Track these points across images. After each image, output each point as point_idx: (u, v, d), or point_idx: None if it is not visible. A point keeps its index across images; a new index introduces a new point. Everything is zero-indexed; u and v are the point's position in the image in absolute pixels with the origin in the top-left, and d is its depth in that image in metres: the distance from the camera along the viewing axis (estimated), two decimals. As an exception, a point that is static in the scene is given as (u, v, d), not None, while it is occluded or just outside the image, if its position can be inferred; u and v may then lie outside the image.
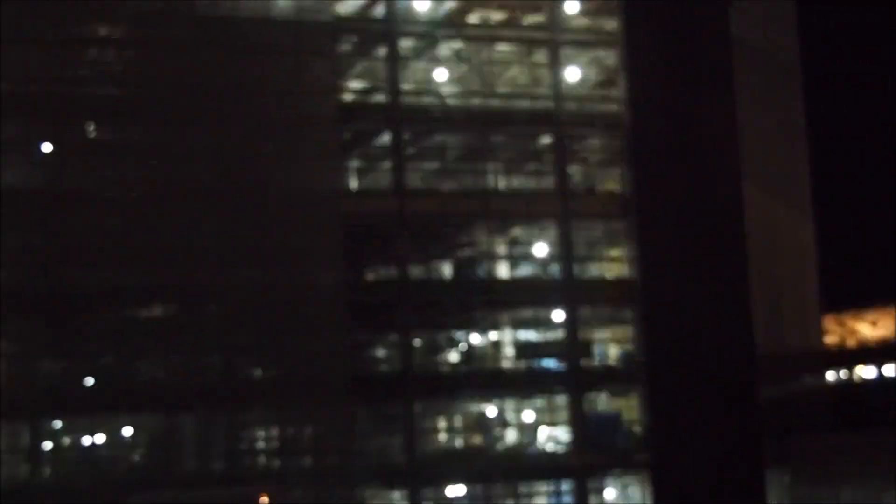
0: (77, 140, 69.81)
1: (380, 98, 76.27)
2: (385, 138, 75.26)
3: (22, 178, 67.18)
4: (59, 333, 65.91)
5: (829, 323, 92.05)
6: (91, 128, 71.28)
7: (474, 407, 78.12)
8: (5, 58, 64.47)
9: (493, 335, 78.18)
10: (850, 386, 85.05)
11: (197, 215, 66.65)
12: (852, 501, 65.58)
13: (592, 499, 74.53)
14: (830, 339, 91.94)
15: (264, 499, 58.55)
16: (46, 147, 68.30)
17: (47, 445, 69.89)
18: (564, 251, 76.38)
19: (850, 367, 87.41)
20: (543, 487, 75.80)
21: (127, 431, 73.02)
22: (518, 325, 78.93)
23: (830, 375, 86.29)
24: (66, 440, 72.27)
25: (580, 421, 74.85)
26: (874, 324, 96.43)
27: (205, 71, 67.85)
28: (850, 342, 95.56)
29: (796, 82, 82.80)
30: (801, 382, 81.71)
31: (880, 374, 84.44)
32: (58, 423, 70.34)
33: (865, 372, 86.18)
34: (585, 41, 79.65)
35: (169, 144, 68.58)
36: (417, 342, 74.93)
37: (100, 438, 71.53)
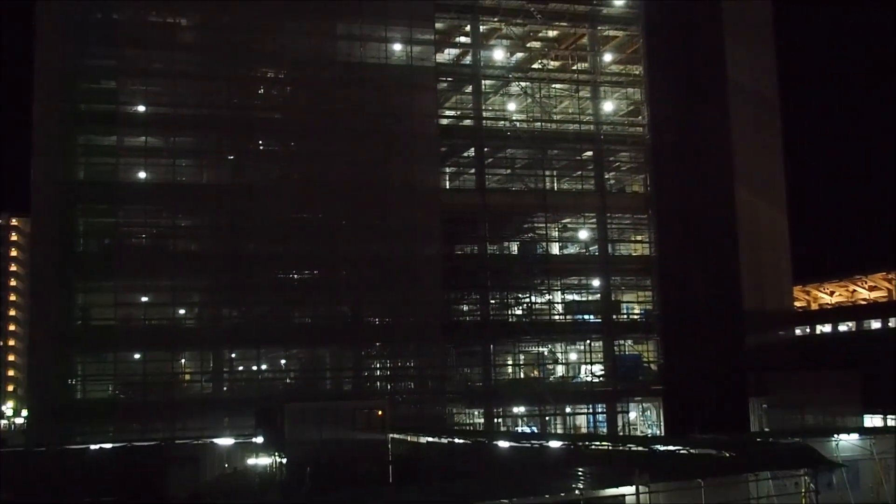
0: (251, 149, 73.08)
1: (467, 122, 78.40)
2: (471, 151, 77.53)
3: (214, 176, 71.03)
4: (237, 288, 68.98)
5: (798, 292, 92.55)
6: (260, 141, 73.92)
7: (533, 348, 79.70)
8: (205, 91, 69.50)
9: (547, 296, 78.21)
10: (812, 338, 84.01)
11: (336, 203, 69.82)
12: (813, 423, 63.96)
13: (619, 418, 75.60)
14: (799, 304, 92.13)
15: (380, 412, 56.80)
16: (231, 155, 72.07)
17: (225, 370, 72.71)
18: (601, 235, 78.45)
19: (813, 325, 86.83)
20: (583, 408, 77.04)
21: (282, 360, 76.77)
22: (566, 288, 79.51)
23: (798, 330, 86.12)
24: (240, 367, 74.81)
25: (611, 360, 77.06)
26: (831, 293, 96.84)
27: (343, 100, 71.22)
28: (813, 306, 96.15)
29: (776, 111, 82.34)
30: (777, 334, 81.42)
31: (835, 330, 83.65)
32: (233, 354, 73.00)
33: (824, 328, 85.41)
34: (618, 81, 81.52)
35: (317, 153, 70.98)
36: (493, 300, 76.84)
37: (263, 365, 74.24)
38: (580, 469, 37.75)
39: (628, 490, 32.09)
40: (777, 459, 39.24)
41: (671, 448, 43.16)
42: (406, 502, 34.64)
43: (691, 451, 40.52)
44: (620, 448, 48.93)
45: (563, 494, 31.74)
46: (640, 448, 47.17)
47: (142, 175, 70.98)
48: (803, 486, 37.85)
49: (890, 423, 62.05)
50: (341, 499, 39.00)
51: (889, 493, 47.30)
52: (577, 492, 32.41)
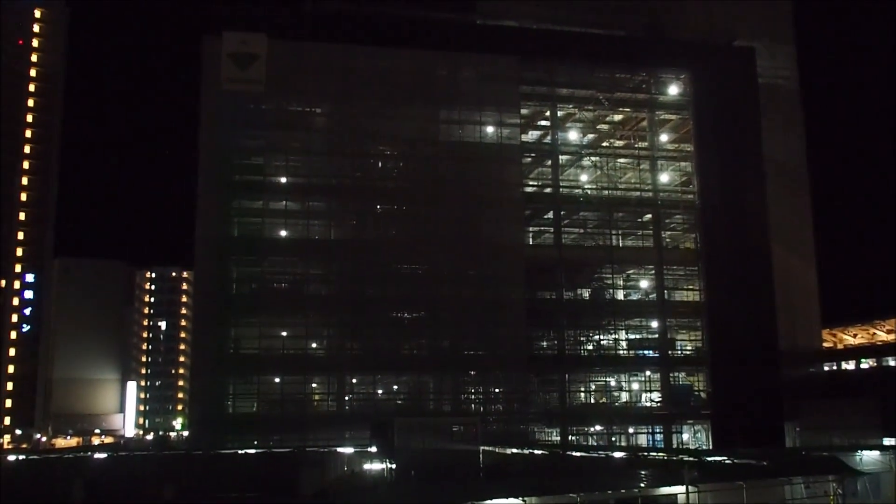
0: (371, 211, 73.25)
1: (547, 190, 77.80)
2: (550, 213, 76.90)
3: (340, 233, 71.73)
4: (357, 324, 69.29)
5: (826, 334, 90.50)
6: (378, 205, 74.01)
7: (602, 378, 78.32)
8: (334, 165, 70.67)
9: (613, 334, 76.97)
10: (838, 372, 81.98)
11: (439, 256, 69.75)
12: (839, 443, 60.75)
13: (674, 438, 73.78)
14: (826, 344, 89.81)
15: (473, 428, 54.75)
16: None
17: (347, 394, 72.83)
18: (659, 284, 77.18)
19: (838, 361, 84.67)
20: (643, 429, 75.12)
21: (394, 384, 76.52)
22: (629, 328, 78.04)
23: (826, 366, 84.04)
24: (359, 389, 74.75)
25: (667, 388, 75.35)
26: (854, 336, 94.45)
27: (445, 172, 71.50)
28: (839, 346, 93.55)
29: (805, 180, 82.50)
30: (807, 368, 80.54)
31: (857, 367, 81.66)
32: (354, 379, 73.27)
33: (848, 365, 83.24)
34: (672, 156, 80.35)
35: (423, 215, 71.55)
36: (568, 337, 75.33)
37: (378, 388, 74.62)
38: (640, 472, 36.87)
39: (680, 490, 31.16)
40: (809, 467, 37.95)
41: (717, 458, 41.99)
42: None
43: (735, 460, 39.37)
44: (674, 458, 47.79)
45: (623, 491, 30.95)
46: (690, 458, 46.02)
47: (282, 232, 72.17)
48: (832, 491, 36.54)
49: (905, 443, 59.78)
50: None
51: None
52: (636, 490, 31.61)
